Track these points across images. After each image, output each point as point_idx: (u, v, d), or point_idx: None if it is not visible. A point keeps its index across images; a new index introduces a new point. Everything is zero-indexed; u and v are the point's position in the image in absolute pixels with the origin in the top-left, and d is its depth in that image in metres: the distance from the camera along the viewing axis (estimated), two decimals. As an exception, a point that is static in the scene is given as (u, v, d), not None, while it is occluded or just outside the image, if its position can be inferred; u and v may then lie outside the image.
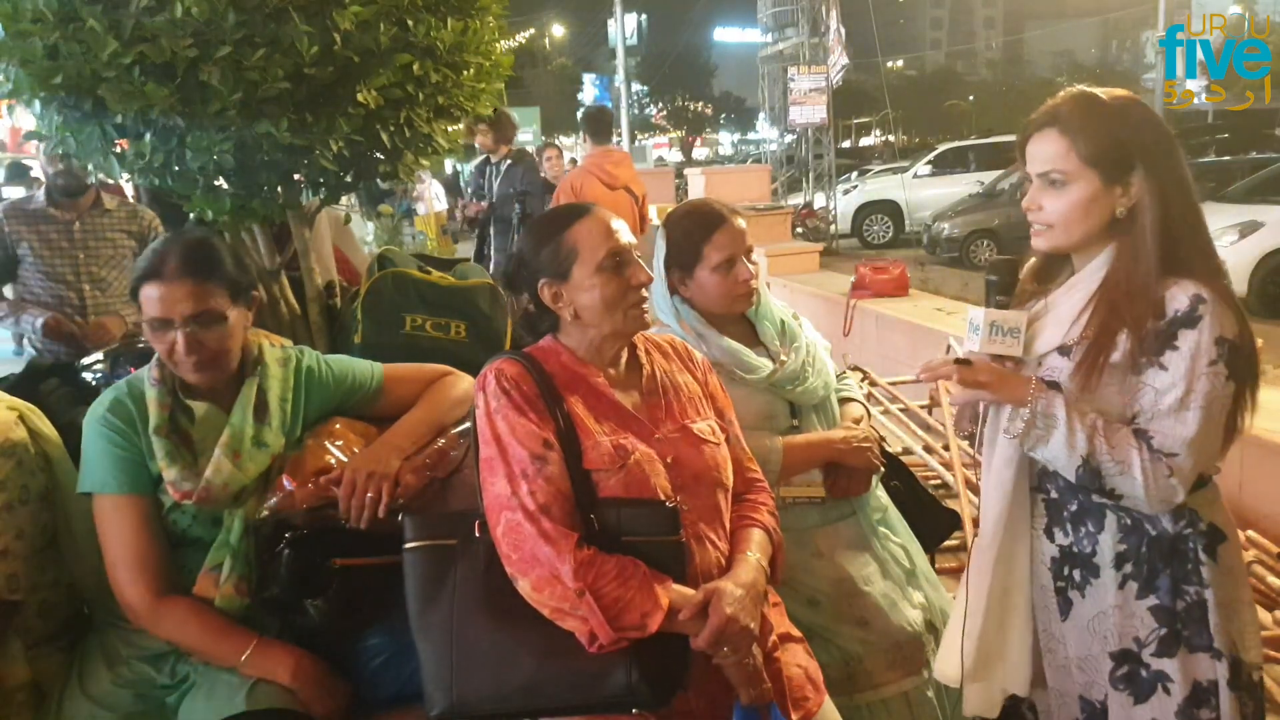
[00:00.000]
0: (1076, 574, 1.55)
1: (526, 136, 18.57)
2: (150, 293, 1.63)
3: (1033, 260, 1.64)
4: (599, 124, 5.35)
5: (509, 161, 5.81)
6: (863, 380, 4.26)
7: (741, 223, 1.96)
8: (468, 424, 1.86)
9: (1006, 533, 1.59)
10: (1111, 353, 1.43)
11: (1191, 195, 1.47)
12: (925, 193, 15.22)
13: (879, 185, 16.49)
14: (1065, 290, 1.53)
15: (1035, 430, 1.42)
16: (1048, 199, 1.48)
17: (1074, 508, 1.53)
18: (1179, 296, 1.40)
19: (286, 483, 1.66)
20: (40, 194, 3.16)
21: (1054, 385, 1.45)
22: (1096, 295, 1.47)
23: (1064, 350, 1.50)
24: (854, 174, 17.99)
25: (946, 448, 3.97)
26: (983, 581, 1.63)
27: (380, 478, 1.65)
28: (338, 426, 1.80)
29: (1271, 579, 2.80)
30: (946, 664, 1.66)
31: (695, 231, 1.95)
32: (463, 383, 1.91)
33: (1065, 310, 1.51)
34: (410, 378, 1.92)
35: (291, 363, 1.80)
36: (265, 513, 1.65)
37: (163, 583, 1.63)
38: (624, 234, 1.57)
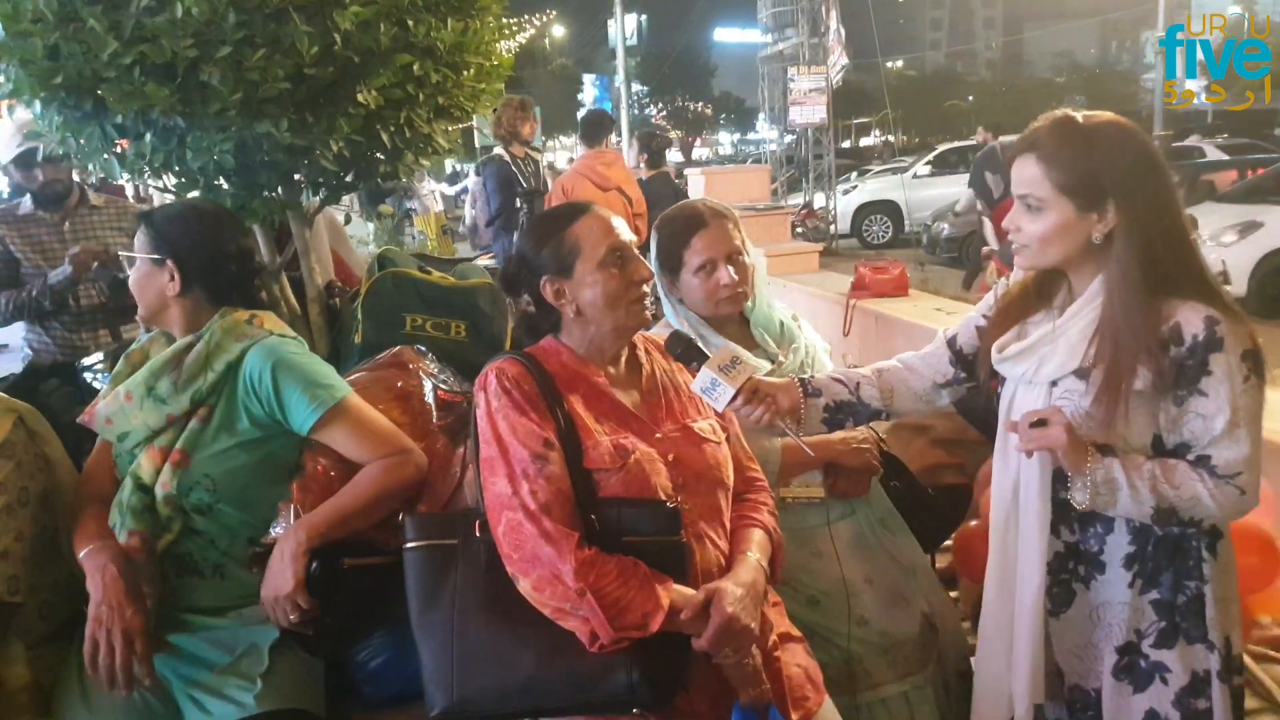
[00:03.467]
0: (1081, 569, 1.58)
1: (526, 136, 18.50)
2: None
3: (1031, 275, 1.65)
4: (595, 128, 5.34)
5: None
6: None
7: (727, 225, 1.95)
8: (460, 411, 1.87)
9: (1025, 538, 1.59)
10: (1134, 380, 1.44)
11: (1176, 219, 1.48)
12: (925, 193, 15.20)
13: (879, 185, 16.49)
14: (1069, 318, 1.54)
15: (1101, 497, 1.45)
16: (1025, 221, 1.51)
17: (1092, 509, 1.53)
18: (1192, 320, 1.41)
19: (295, 511, 1.67)
20: (27, 198, 3.15)
21: (1106, 449, 1.47)
22: (1098, 326, 1.49)
23: (1081, 373, 1.51)
24: (854, 174, 17.98)
25: (946, 448, 3.96)
26: (994, 583, 1.65)
27: (285, 603, 1.59)
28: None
29: (1271, 579, 2.80)
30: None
31: (677, 235, 1.95)
32: (405, 470, 1.73)
33: (1074, 337, 1.52)
34: (362, 430, 1.74)
35: (245, 340, 1.75)
36: (271, 537, 1.68)
37: (99, 492, 1.75)
38: (624, 231, 1.58)
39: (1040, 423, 1.45)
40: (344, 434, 1.74)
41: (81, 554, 1.64)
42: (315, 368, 1.78)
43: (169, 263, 1.75)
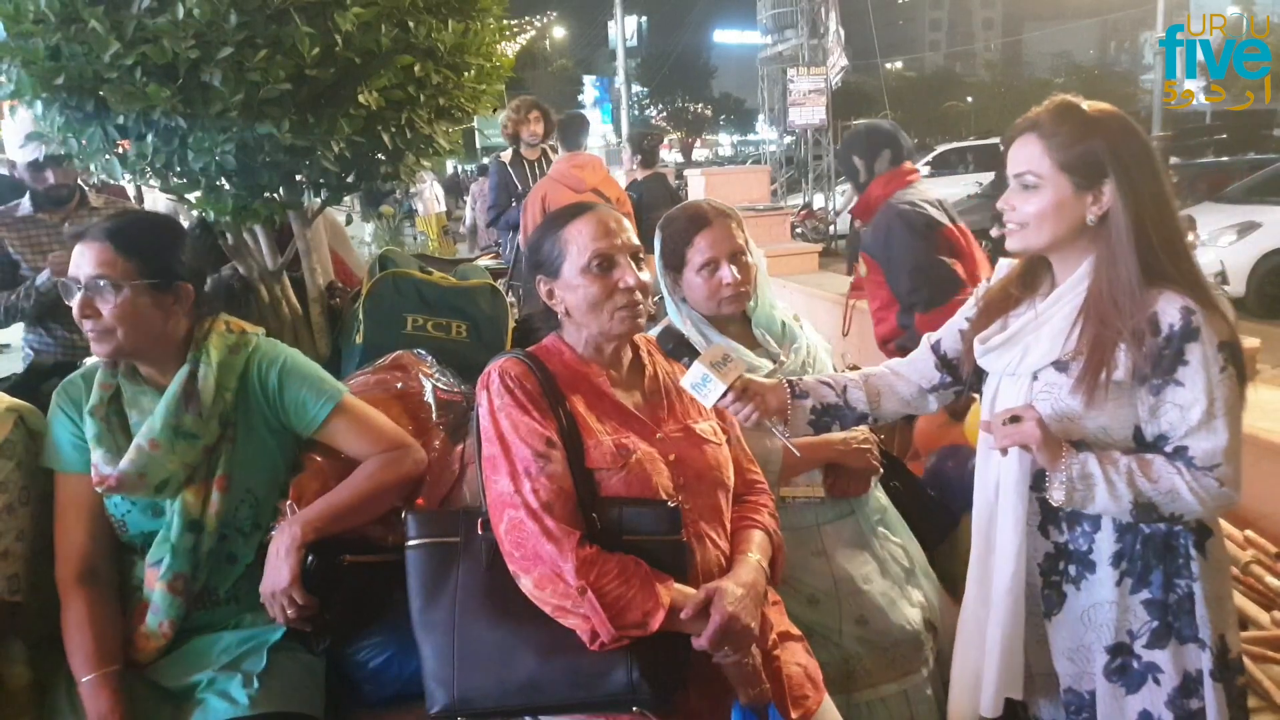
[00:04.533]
0: (1072, 569, 1.58)
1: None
2: (74, 253, 1.63)
3: (1015, 266, 1.66)
4: (573, 131, 5.33)
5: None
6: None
7: (732, 224, 1.96)
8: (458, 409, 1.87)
9: (1003, 533, 1.60)
10: (1114, 370, 1.45)
11: (1168, 207, 1.49)
12: (924, 193, 15.18)
13: (878, 186, 16.44)
14: (1053, 302, 1.54)
15: (1077, 493, 1.44)
16: (1020, 200, 1.51)
17: (1070, 508, 1.54)
18: (1169, 310, 1.42)
19: (291, 508, 1.67)
20: (26, 199, 3.15)
21: (1082, 445, 1.47)
22: (1084, 308, 1.49)
23: (1060, 365, 1.52)
24: (853, 174, 17.95)
25: (946, 448, 3.96)
26: (975, 580, 1.66)
27: (282, 598, 1.59)
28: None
29: (1270, 579, 2.80)
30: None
31: (680, 234, 1.96)
32: (406, 464, 1.75)
33: (1057, 323, 1.52)
34: (364, 427, 1.75)
35: (244, 349, 1.72)
36: (270, 537, 1.66)
37: (84, 567, 1.62)
38: (621, 236, 1.56)
39: (1014, 420, 1.45)
40: (346, 429, 1.75)
41: (83, 680, 1.54)
42: (315, 367, 1.80)
43: (181, 286, 1.67)
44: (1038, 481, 1.59)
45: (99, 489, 1.62)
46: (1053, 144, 1.47)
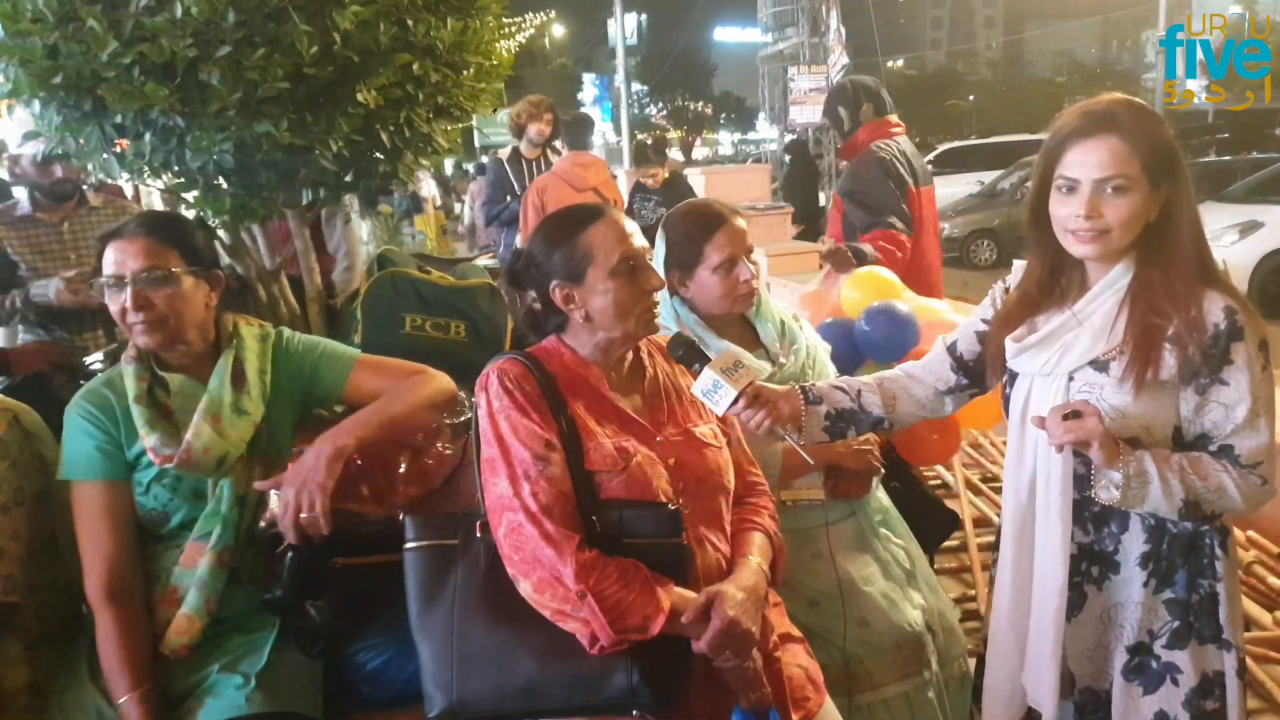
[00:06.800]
0: (1094, 570, 1.57)
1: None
2: (109, 253, 1.69)
3: (1036, 266, 1.61)
4: (579, 130, 5.35)
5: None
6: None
7: (741, 223, 1.95)
8: (464, 417, 1.88)
9: (1046, 535, 1.57)
10: (1160, 368, 1.43)
11: (1195, 202, 1.49)
12: (925, 192, 15.17)
13: (879, 185, 16.42)
14: (1090, 300, 1.52)
15: (1132, 490, 1.42)
16: (1108, 206, 1.44)
17: (1097, 508, 1.53)
18: (1213, 310, 1.42)
19: (277, 496, 1.66)
20: (25, 199, 3.13)
21: (1134, 443, 1.44)
22: (1128, 301, 1.48)
23: (1098, 365, 1.49)
24: (854, 173, 17.92)
25: (947, 448, 3.96)
26: (1008, 584, 1.64)
27: (312, 491, 1.58)
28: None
29: (1272, 579, 2.80)
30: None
31: (695, 232, 1.94)
32: (435, 382, 1.84)
33: (1098, 320, 1.50)
34: (384, 368, 1.87)
35: (269, 339, 1.83)
36: (262, 525, 1.66)
37: (115, 581, 1.61)
38: (637, 238, 1.56)
39: (1072, 415, 1.41)
40: (369, 374, 1.84)
41: (121, 700, 1.55)
42: (322, 338, 1.94)
43: (216, 273, 1.78)
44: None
45: (163, 466, 1.64)
46: (1138, 144, 1.42)
